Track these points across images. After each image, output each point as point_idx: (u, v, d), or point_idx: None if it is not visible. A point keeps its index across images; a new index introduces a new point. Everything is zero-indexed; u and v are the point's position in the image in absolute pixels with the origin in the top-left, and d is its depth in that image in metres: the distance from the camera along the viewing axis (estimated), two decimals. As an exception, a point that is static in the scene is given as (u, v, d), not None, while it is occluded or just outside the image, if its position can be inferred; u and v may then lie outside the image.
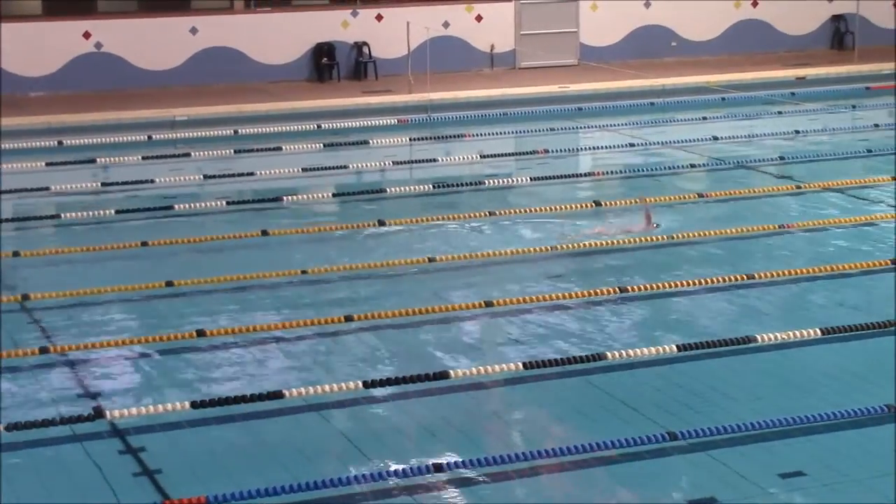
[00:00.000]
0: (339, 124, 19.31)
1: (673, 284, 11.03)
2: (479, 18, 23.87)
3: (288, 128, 18.92)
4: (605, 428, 8.10)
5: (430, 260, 11.91)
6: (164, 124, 19.05)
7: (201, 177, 16.00)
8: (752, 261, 11.89)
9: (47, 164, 16.77)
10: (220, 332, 9.98)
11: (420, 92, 20.57)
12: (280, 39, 22.79)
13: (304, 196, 14.80)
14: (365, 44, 23.12)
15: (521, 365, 9.10)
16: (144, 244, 12.63)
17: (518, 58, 24.04)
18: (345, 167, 16.45)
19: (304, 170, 16.26)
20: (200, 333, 9.87)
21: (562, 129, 19.24)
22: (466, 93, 20.95)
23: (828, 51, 25.44)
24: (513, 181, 15.79)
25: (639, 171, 16.20)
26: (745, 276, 11.09)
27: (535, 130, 18.76)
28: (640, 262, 12.02)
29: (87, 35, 21.99)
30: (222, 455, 7.94)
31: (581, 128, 19.67)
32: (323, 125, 19.19)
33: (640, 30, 24.77)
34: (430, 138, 18.95)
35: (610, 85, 21.64)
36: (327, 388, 8.71)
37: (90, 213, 13.91)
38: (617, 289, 10.82)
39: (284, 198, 14.61)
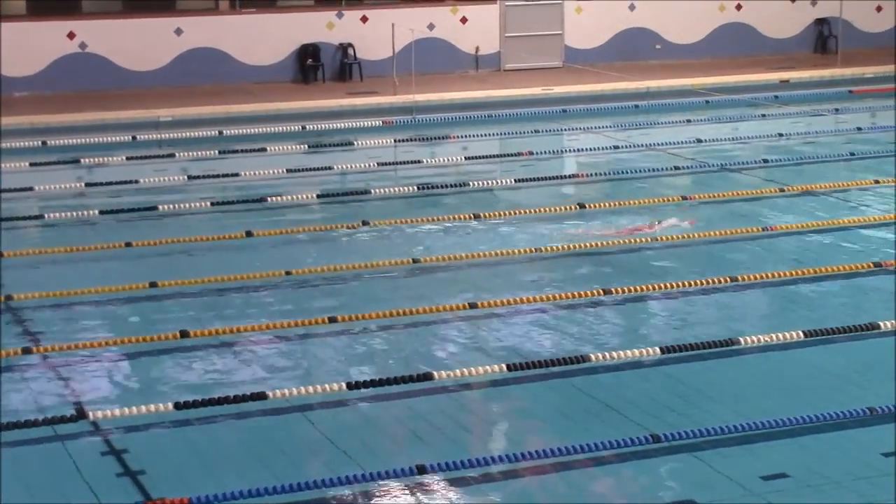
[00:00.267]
0: (323, 125, 19.30)
1: (656, 287, 11.06)
2: (464, 20, 23.87)
3: (273, 129, 18.91)
4: (588, 430, 8.11)
5: (415, 261, 11.92)
6: (148, 125, 19.02)
7: (185, 177, 15.97)
8: (736, 263, 11.92)
9: (31, 165, 16.71)
10: (203, 332, 9.95)
11: (405, 93, 20.57)
12: (265, 40, 22.77)
13: (289, 197, 14.79)
14: (350, 45, 23.11)
15: (504, 367, 9.10)
16: (128, 245, 12.61)
17: (503, 60, 24.06)
18: (329, 168, 16.44)
19: (288, 171, 16.25)
20: (184, 334, 9.85)
21: (546, 130, 19.25)
22: (451, 94, 20.96)
23: (811, 54, 25.51)
24: (497, 183, 15.80)
25: (623, 172, 16.22)
26: (728, 279, 11.11)
27: (520, 132, 18.78)
28: (623, 264, 12.03)
29: (71, 35, 21.94)
30: (206, 456, 7.92)
31: (566, 130, 19.69)
32: (308, 126, 19.19)
33: (624, 32, 24.80)
34: (415, 140, 18.95)
35: (594, 87, 21.68)
36: (311, 389, 8.71)
37: (74, 214, 13.88)
38: (601, 291, 10.82)
39: (269, 198, 14.59)
